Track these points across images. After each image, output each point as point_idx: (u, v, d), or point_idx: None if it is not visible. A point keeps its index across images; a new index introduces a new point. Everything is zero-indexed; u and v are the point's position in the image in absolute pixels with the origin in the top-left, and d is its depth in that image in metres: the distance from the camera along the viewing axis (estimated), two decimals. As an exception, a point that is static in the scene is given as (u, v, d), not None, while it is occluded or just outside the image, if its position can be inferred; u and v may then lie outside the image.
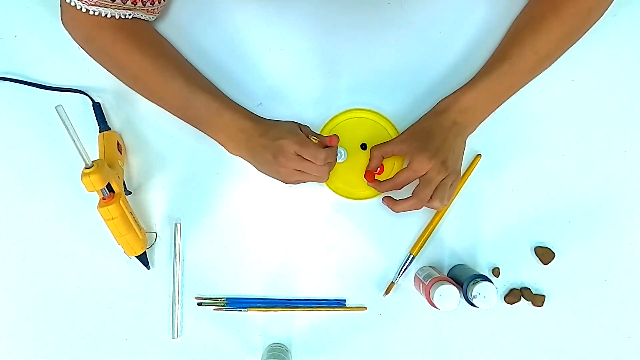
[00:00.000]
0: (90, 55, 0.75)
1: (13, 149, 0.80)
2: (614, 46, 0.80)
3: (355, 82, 0.80)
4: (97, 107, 0.79)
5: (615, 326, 0.81)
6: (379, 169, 0.79)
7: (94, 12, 0.69)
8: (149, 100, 0.76)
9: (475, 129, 0.77)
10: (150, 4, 0.72)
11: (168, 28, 0.79)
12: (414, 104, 0.79)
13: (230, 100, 0.77)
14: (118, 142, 0.78)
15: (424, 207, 0.73)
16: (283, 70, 0.80)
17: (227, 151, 0.76)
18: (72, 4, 0.69)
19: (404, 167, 0.76)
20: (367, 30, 0.80)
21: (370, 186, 0.78)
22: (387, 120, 0.80)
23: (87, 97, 0.79)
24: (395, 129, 0.80)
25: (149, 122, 0.79)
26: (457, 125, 0.74)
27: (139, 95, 0.76)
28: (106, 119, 0.79)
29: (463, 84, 0.75)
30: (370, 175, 0.78)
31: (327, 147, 0.72)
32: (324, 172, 0.72)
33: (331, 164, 0.72)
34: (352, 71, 0.80)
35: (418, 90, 0.80)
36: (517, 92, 0.76)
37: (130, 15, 0.72)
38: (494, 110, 0.76)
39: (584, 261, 0.81)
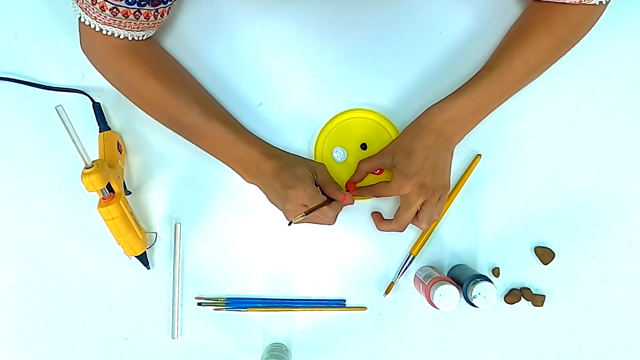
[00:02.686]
0: (109, 81, 0.75)
1: (13, 149, 0.80)
2: (615, 46, 0.80)
3: (355, 82, 0.80)
4: (97, 107, 0.79)
5: (615, 326, 0.81)
6: (378, 170, 0.79)
7: (108, 31, 0.69)
8: (166, 127, 0.76)
9: (461, 139, 0.75)
10: (161, 16, 0.71)
11: (168, 28, 0.79)
12: (414, 103, 0.79)
13: (247, 131, 0.77)
14: (118, 142, 0.78)
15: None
16: (283, 70, 0.80)
17: (243, 180, 0.77)
18: (87, 23, 0.69)
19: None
20: (368, 30, 0.80)
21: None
22: (387, 120, 0.80)
23: (87, 97, 0.79)
24: (395, 129, 0.80)
25: (149, 122, 0.79)
26: (441, 137, 0.72)
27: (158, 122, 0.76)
28: (106, 119, 0.79)
29: (449, 93, 0.74)
30: (351, 185, 0.78)
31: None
32: (328, 222, 0.73)
33: (338, 213, 0.74)
34: (352, 71, 0.80)
35: (418, 90, 0.80)
36: (516, 92, 0.76)
37: (143, 36, 0.72)
38: (480, 121, 0.75)
39: (584, 261, 0.81)
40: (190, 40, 0.79)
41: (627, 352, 0.82)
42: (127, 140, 0.80)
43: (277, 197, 0.73)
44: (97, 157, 0.76)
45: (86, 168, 0.68)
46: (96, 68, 0.74)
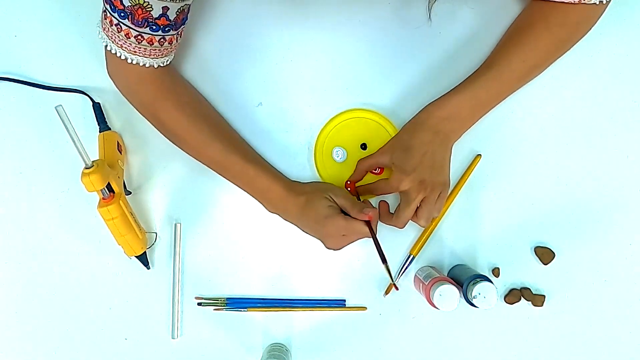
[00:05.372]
0: (134, 107, 0.75)
1: (13, 149, 0.80)
2: (615, 47, 0.80)
3: (355, 82, 0.80)
4: (97, 107, 0.79)
5: (615, 326, 0.81)
6: (378, 169, 0.79)
7: (133, 60, 0.68)
8: (188, 154, 0.76)
9: (459, 137, 0.75)
10: (180, 37, 0.71)
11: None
12: (414, 103, 0.79)
13: (267, 165, 0.78)
14: (118, 142, 0.78)
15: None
16: (283, 70, 0.80)
17: (265, 209, 0.78)
18: (113, 51, 0.68)
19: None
20: (368, 30, 0.80)
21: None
22: (387, 120, 0.80)
23: (87, 97, 0.79)
24: (395, 128, 0.80)
25: (149, 122, 0.79)
26: (439, 134, 0.73)
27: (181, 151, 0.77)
28: (106, 119, 0.79)
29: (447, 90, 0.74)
30: (350, 184, 0.79)
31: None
32: (369, 234, 0.73)
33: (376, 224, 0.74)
34: (352, 71, 0.80)
35: (418, 90, 0.80)
36: (515, 91, 0.76)
37: (167, 61, 0.72)
38: (478, 119, 0.75)
39: (584, 261, 0.81)
40: (191, 40, 0.79)
41: (627, 352, 0.82)
42: (127, 140, 0.80)
43: (312, 232, 0.75)
44: (97, 157, 0.76)
45: (86, 168, 0.68)
46: (122, 94, 0.75)
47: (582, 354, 0.82)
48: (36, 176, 0.80)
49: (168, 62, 0.72)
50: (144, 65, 0.69)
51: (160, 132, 0.76)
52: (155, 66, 0.70)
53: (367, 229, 0.71)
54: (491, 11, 0.80)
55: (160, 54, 0.69)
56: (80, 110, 0.79)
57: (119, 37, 0.66)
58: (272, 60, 0.80)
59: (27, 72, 0.80)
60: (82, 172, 0.68)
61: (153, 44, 0.67)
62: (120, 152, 0.78)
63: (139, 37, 0.66)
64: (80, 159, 0.67)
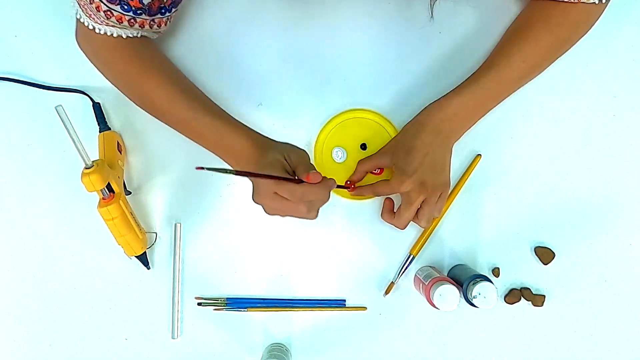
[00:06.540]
0: (100, 72, 0.75)
1: (13, 149, 0.80)
2: (616, 46, 0.80)
3: (355, 82, 0.80)
4: (97, 107, 0.79)
5: (615, 326, 0.81)
6: (378, 170, 0.79)
7: (101, 30, 0.69)
8: (156, 118, 0.76)
9: (460, 137, 0.75)
10: (157, 26, 0.71)
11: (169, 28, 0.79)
12: (414, 103, 0.79)
13: (234, 121, 0.74)
14: (118, 142, 0.78)
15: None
16: (283, 70, 0.80)
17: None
18: (82, 20, 0.69)
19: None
20: (368, 30, 0.80)
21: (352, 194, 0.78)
22: (387, 120, 0.80)
23: (87, 97, 0.79)
24: (395, 128, 0.80)
25: (149, 122, 0.79)
26: (440, 135, 0.72)
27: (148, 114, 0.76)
28: (106, 119, 0.79)
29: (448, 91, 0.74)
30: (351, 185, 0.78)
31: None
32: (305, 210, 0.65)
33: (314, 202, 0.65)
34: (351, 71, 0.80)
35: (418, 90, 0.80)
36: (515, 91, 0.76)
37: (138, 34, 0.72)
38: (479, 119, 0.75)
39: (584, 261, 0.81)
40: (191, 40, 0.79)
41: (627, 352, 0.82)
42: (127, 140, 0.80)
43: (253, 189, 0.67)
44: (97, 157, 0.76)
45: (86, 168, 0.68)
46: (87, 57, 0.74)
47: (582, 354, 0.82)
48: (36, 176, 0.80)
49: (139, 35, 0.72)
50: (112, 35, 0.69)
51: (128, 97, 0.75)
52: (124, 37, 0.70)
53: (300, 192, 0.62)
54: (491, 11, 0.80)
55: (127, 28, 0.69)
56: (80, 110, 0.79)
57: (90, 8, 0.66)
58: (272, 60, 0.80)
59: (27, 72, 0.80)
60: (82, 172, 0.68)
61: (122, 22, 0.67)
62: (120, 152, 0.78)
63: (109, 12, 0.66)
64: (80, 159, 0.67)
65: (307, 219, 0.65)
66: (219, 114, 0.74)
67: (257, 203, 0.67)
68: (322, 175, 0.63)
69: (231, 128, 0.72)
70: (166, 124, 0.75)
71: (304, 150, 0.68)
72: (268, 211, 0.66)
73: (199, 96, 0.76)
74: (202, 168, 0.58)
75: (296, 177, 0.64)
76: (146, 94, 0.73)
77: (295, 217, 0.65)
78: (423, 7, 0.79)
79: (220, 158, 0.73)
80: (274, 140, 0.72)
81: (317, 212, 0.66)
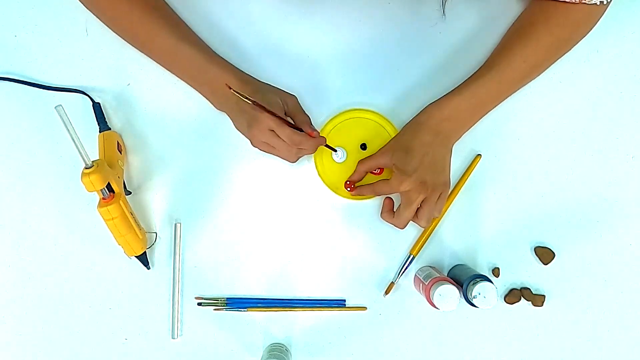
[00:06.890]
0: (86, 7, 0.75)
1: (13, 149, 0.80)
2: (616, 47, 0.80)
3: (355, 82, 0.80)
4: (97, 107, 0.79)
5: (615, 326, 0.81)
6: (378, 170, 0.79)
7: None
8: (140, 51, 0.76)
9: (459, 137, 0.76)
10: None
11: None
12: (414, 103, 0.79)
13: (217, 55, 0.75)
14: (118, 142, 0.78)
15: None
16: (283, 70, 0.80)
17: (213, 107, 0.76)
18: None
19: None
20: (368, 30, 0.80)
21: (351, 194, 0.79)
22: (387, 120, 0.80)
23: (87, 97, 0.79)
24: (395, 128, 0.80)
25: (149, 122, 0.79)
26: (440, 135, 0.73)
27: (134, 48, 0.75)
28: (106, 119, 0.79)
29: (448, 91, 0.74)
30: (351, 185, 0.79)
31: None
32: (293, 154, 0.71)
33: (303, 150, 0.71)
34: (352, 71, 0.80)
35: (418, 90, 0.80)
36: (515, 92, 0.76)
37: None
38: (478, 119, 0.75)
39: (584, 261, 0.81)
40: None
41: (627, 352, 0.82)
42: (127, 140, 0.80)
43: (244, 121, 0.71)
44: (97, 157, 0.76)
45: (86, 168, 0.68)
46: None
47: (582, 353, 0.82)
48: (36, 176, 0.80)
49: None
50: None
51: (114, 31, 0.75)
52: None
53: (298, 139, 0.68)
54: (491, 11, 0.80)
55: None
56: (80, 110, 0.79)
57: None
58: (272, 60, 0.80)
59: (27, 72, 0.80)
60: (82, 172, 0.68)
61: None
62: (120, 152, 0.78)
63: None
64: (80, 159, 0.67)
65: (288, 161, 0.72)
66: (204, 48, 0.75)
67: (246, 135, 0.71)
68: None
69: (216, 62, 0.73)
70: (151, 57, 0.75)
71: (294, 95, 0.74)
72: (256, 144, 0.71)
73: (184, 28, 0.76)
74: (231, 88, 0.65)
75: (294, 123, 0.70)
76: (128, 25, 0.73)
77: (280, 157, 0.72)
78: (428, 7, 0.79)
79: (204, 96, 0.75)
80: (260, 81, 0.74)
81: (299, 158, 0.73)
